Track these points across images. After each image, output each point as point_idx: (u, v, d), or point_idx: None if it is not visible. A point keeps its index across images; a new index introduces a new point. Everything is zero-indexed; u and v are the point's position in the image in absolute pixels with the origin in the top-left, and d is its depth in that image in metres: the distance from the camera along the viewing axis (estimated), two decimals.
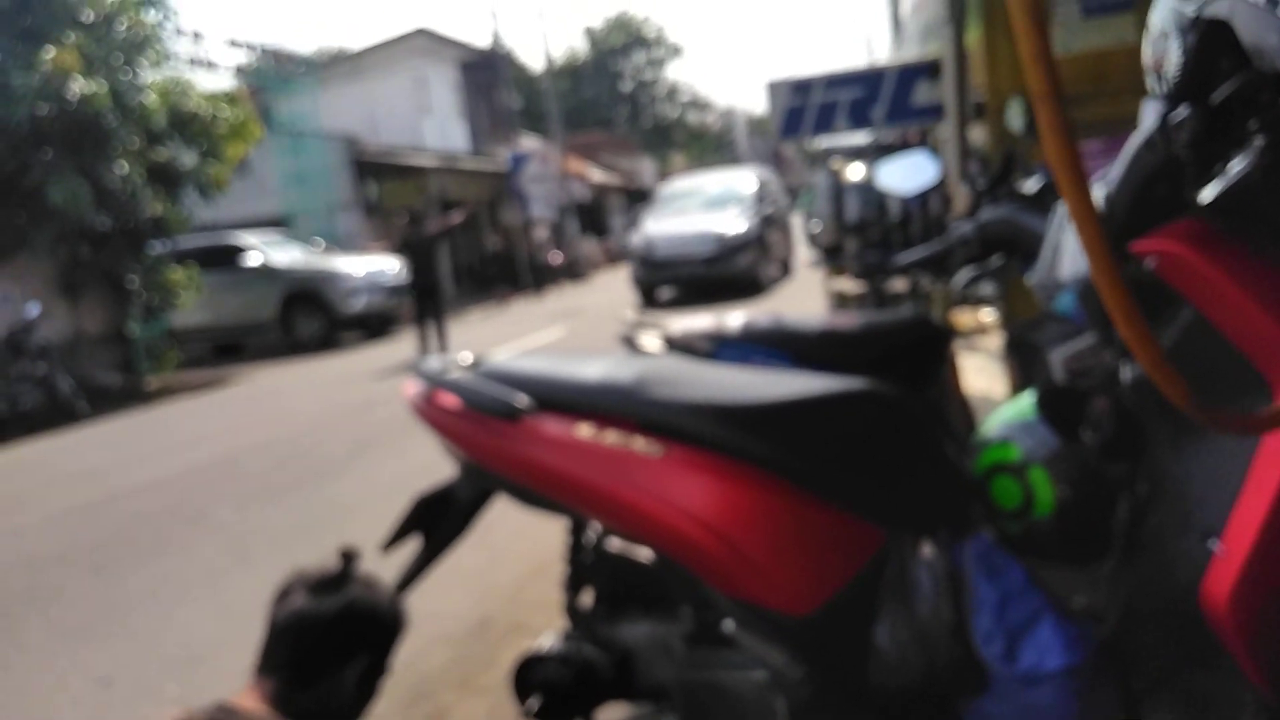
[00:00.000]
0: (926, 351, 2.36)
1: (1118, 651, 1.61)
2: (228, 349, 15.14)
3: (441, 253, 12.81)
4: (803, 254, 17.68)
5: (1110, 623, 1.62)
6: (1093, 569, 1.74)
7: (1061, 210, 1.75)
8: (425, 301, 11.06)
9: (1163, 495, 1.57)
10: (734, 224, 14.77)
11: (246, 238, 15.23)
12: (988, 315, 6.62)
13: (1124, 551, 1.66)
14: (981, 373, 5.39)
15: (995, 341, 6.02)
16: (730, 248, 14.45)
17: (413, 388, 1.94)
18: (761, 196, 15.93)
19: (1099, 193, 1.67)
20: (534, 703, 1.92)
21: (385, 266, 14.44)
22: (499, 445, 1.76)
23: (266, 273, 14.62)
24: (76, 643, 3.88)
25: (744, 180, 16.76)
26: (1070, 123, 1.02)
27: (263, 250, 14.92)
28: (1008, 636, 1.56)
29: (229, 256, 14.81)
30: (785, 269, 16.65)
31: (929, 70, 5.07)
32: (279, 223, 17.55)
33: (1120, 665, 1.60)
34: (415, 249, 11.09)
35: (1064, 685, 1.54)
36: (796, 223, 19.75)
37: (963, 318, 6.71)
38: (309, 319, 14.55)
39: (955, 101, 4.30)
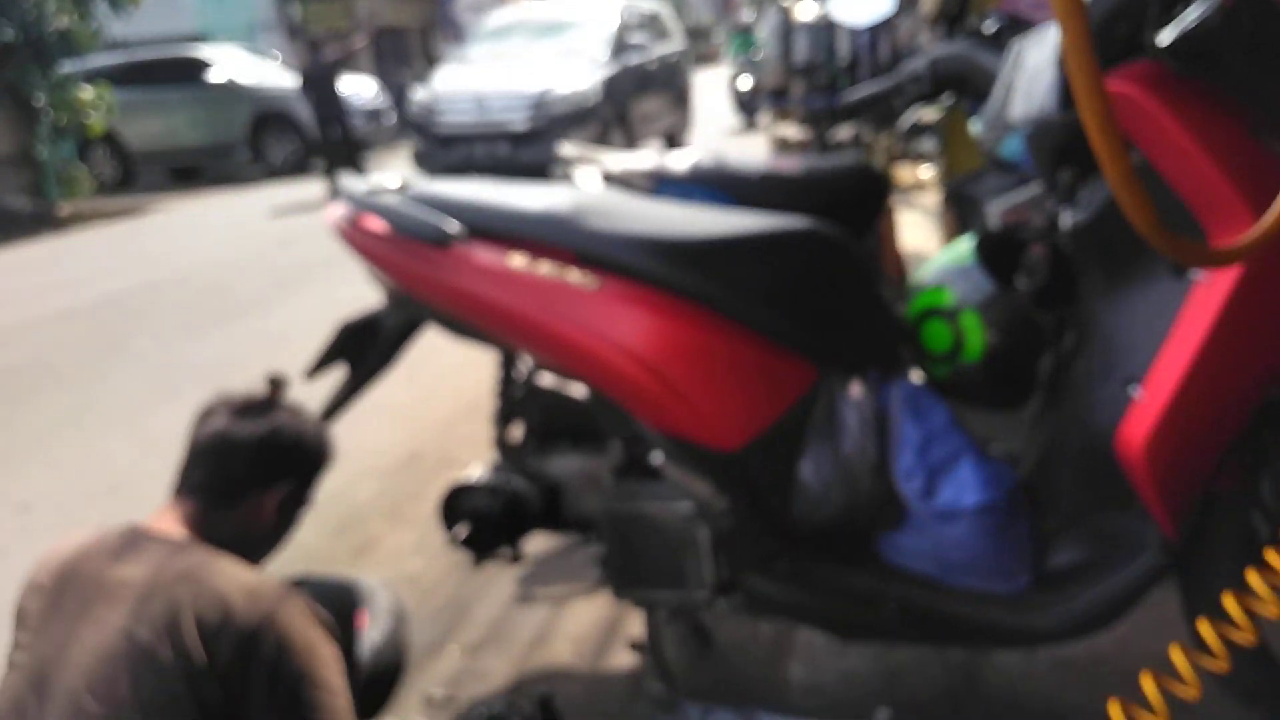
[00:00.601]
0: (866, 199, 2.34)
1: (1033, 492, 1.66)
2: (186, 173, 14.05)
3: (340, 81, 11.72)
4: (721, 122, 13.99)
5: (1028, 464, 1.67)
6: (1016, 413, 1.78)
7: (1016, 49, 1.70)
8: (331, 132, 10.42)
9: (1089, 342, 1.59)
10: (567, 79, 9.20)
11: (208, 50, 13.99)
12: (926, 171, 6.61)
13: (1047, 397, 1.70)
14: (917, 229, 5.41)
15: (932, 199, 6.04)
16: (556, 117, 8.90)
17: (337, 210, 1.85)
18: (625, 40, 10.26)
19: (1055, 34, 1.62)
20: (461, 530, 1.93)
21: (361, 89, 13.57)
22: (428, 273, 1.70)
23: (233, 91, 13.33)
24: None
25: (601, 11, 10.60)
26: None
27: (227, 66, 13.66)
28: (928, 474, 1.60)
29: (190, 71, 13.49)
30: (671, 145, 11.06)
31: None
32: (195, 41, 16.52)
33: (1034, 505, 1.66)
34: (316, 79, 10.43)
35: (978, 521, 1.59)
36: (714, 76, 17.93)
37: (902, 173, 6.69)
38: (280, 142, 13.39)
39: None
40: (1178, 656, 1.32)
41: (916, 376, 1.77)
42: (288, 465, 1.49)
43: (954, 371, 1.75)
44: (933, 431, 1.62)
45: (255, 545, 1.48)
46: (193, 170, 14.17)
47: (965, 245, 1.80)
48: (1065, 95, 1.55)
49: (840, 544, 1.68)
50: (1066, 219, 1.57)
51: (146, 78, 13.05)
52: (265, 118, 13.44)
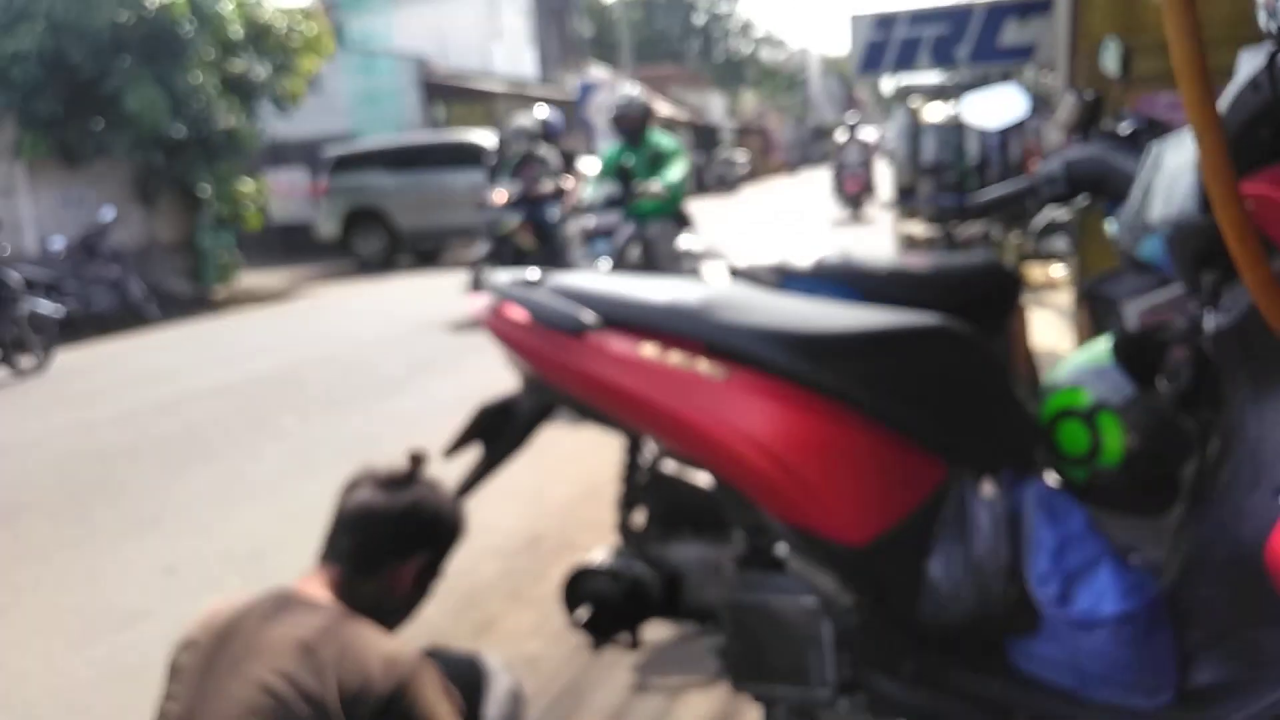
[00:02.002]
0: (997, 298, 2.32)
1: (1175, 603, 1.59)
2: (430, 255, 14.71)
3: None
4: None
5: (1170, 574, 1.60)
6: (1157, 520, 1.71)
7: (1155, 151, 1.69)
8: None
9: (1235, 449, 1.53)
10: None
11: (480, 136, 14.60)
12: (1058, 271, 6.48)
13: (1191, 504, 1.63)
14: (1049, 328, 5.29)
15: (1064, 298, 5.90)
16: None
17: (481, 300, 1.96)
18: None
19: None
20: (583, 613, 1.95)
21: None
22: (563, 359, 1.77)
23: None
24: (143, 533, 4.04)
25: None
26: (1200, 28, 0.97)
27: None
28: (1064, 580, 1.55)
29: (470, 155, 14.00)
30: None
31: (1019, 10, 4.89)
32: (348, 141, 17.65)
33: (1177, 617, 1.59)
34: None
35: (1117, 632, 1.53)
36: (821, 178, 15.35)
37: (1033, 272, 6.58)
38: None
39: (1067, 35, 4.03)
40: None
41: (1052, 479, 1.73)
42: (426, 537, 1.56)
43: (1091, 475, 1.70)
44: (1069, 535, 1.58)
45: (391, 613, 1.55)
46: (436, 252, 14.79)
47: (1102, 345, 1.77)
48: (1206, 198, 1.53)
49: (970, 648, 1.63)
50: (1209, 322, 1.53)
51: (418, 161, 13.99)
52: None
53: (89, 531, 4.11)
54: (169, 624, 1.59)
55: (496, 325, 1.88)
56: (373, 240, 14.59)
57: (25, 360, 7.70)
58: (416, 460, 1.61)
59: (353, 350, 7.91)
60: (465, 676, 1.66)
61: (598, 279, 1.90)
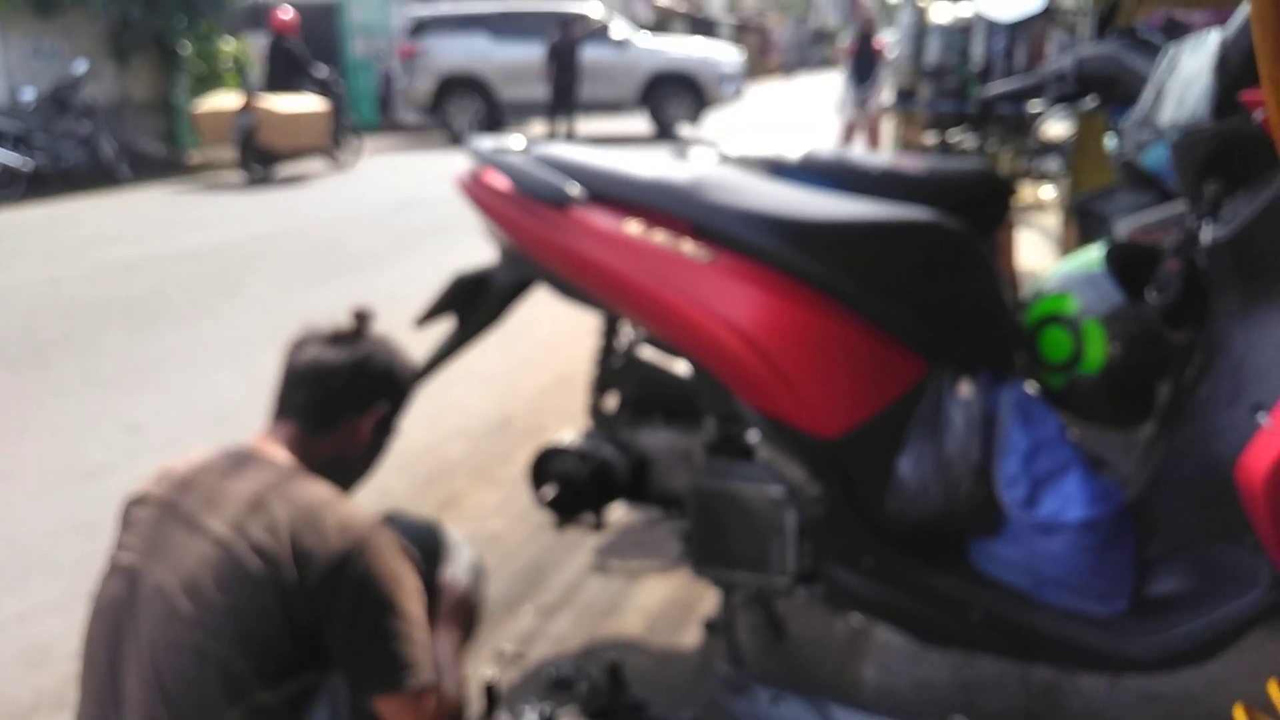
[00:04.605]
0: (988, 205, 2.28)
1: (1139, 514, 1.60)
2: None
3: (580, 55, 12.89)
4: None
5: (1138, 485, 1.61)
6: (1130, 433, 1.71)
7: (1171, 53, 1.63)
8: (563, 98, 12.88)
9: (1217, 364, 1.52)
10: None
11: (600, 7, 14.31)
12: (1047, 193, 6.41)
13: (1165, 419, 1.63)
14: (1033, 249, 5.26)
15: (1051, 220, 5.86)
16: None
17: (464, 165, 1.88)
18: None
19: (1214, 39, 1.55)
20: (548, 490, 1.95)
21: (730, 56, 14.14)
22: (544, 232, 1.72)
23: (630, 51, 13.72)
24: (107, 390, 3.99)
25: None
26: None
27: (624, 27, 14.13)
28: (1032, 483, 1.55)
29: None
30: None
31: None
32: (329, 8, 16.99)
33: (1140, 528, 1.60)
34: (562, 52, 12.79)
35: (1079, 537, 1.54)
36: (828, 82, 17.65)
37: (1022, 191, 6.51)
38: (678, 100, 13.63)
39: None
40: (1275, 693, 1.25)
41: (1030, 384, 1.72)
42: (382, 389, 1.54)
43: (1070, 382, 1.69)
44: (1041, 440, 1.57)
45: (349, 469, 1.53)
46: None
47: (1094, 253, 1.74)
48: (1219, 104, 1.48)
49: (931, 545, 1.64)
50: (1206, 234, 1.50)
51: (521, 30, 13.63)
52: (661, 79, 13.66)
53: (52, 385, 4.06)
54: (130, 480, 1.55)
55: (476, 192, 1.81)
56: (468, 110, 13.98)
57: None
58: (361, 317, 1.57)
59: (333, 223, 7.75)
60: (423, 544, 1.64)
61: (584, 151, 1.83)
